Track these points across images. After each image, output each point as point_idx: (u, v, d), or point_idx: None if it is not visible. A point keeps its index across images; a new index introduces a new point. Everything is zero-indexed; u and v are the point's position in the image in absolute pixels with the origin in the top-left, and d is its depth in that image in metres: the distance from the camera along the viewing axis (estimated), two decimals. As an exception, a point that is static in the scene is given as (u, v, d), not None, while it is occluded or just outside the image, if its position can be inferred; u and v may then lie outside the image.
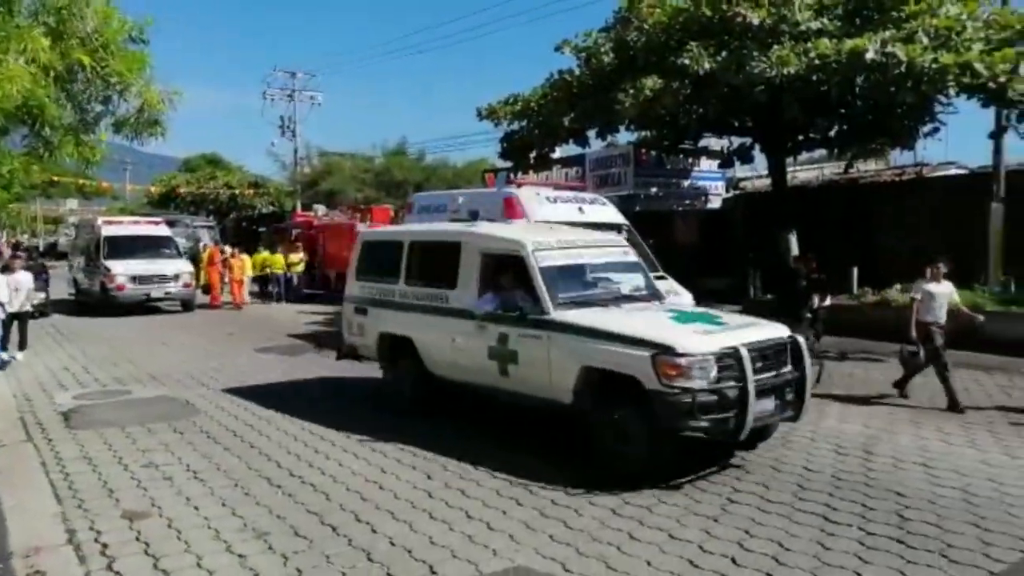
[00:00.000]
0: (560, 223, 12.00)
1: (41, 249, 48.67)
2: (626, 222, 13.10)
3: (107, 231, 21.44)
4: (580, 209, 12.57)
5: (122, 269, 20.03)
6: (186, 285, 21.03)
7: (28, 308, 13.16)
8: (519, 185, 13.79)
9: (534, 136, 17.09)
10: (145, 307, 20.44)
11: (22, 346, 13.01)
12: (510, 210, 12.30)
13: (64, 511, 5.84)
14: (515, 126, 17.33)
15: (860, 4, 12.90)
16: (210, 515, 5.72)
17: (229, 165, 51.36)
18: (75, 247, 25.53)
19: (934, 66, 11.16)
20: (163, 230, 23.42)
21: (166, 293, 20.77)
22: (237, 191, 43.44)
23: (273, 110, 40.68)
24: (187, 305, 21.29)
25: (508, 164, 20.58)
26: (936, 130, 15.38)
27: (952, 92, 12.24)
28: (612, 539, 5.25)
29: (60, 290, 22.24)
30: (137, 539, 5.30)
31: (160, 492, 6.25)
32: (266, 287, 24.41)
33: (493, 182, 23.73)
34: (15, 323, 12.76)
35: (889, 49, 11.36)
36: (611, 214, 13.11)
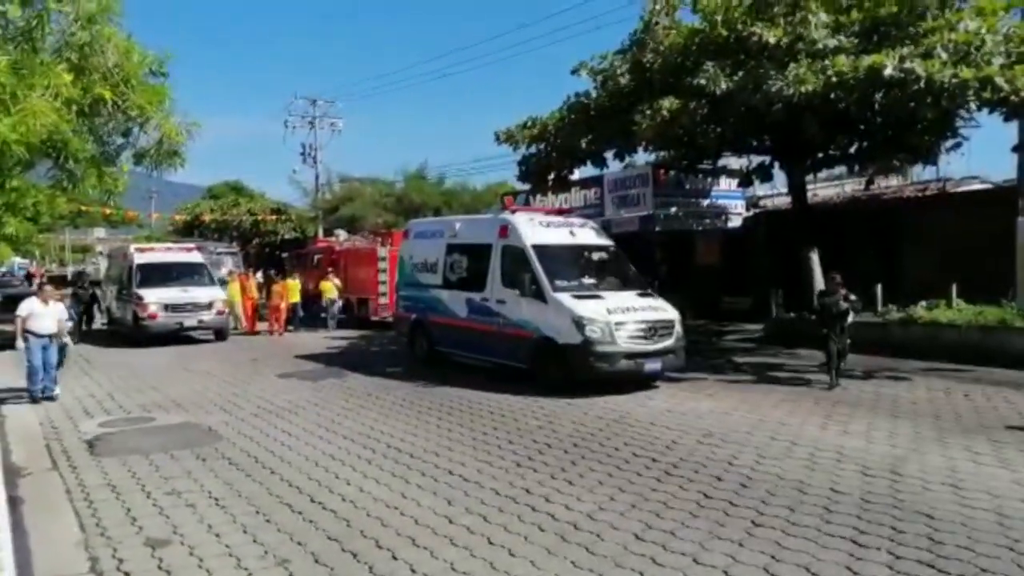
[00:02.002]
0: (553, 245, 12.86)
1: (70, 277, 49.35)
2: (612, 243, 14.12)
3: (139, 259, 20.96)
4: (571, 233, 13.58)
5: (154, 298, 19.51)
6: (220, 313, 20.41)
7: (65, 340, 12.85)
8: (514, 211, 14.52)
9: (552, 159, 17.15)
10: (178, 337, 19.93)
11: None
12: (503, 234, 13.12)
13: (87, 539, 5.86)
14: (533, 149, 17.41)
15: (877, 21, 12.82)
16: (232, 542, 5.72)
17: (252, 192, 51.99)
18: (108, 276, 25.12)
19: (954, 81, 11.07)
20: (196, 257, 22.79)
21: (199, 322, 20.13)
22: (260, 217, 43.87)
23: (294, 137, 41.30)
24: (220, 334, 20.67)
25: (527, 187, 20.66)
26: (958, 145, 15.27)
27: (973, 107, 12.15)
28: (636, 565, 5.17)
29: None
30: (159, 567, 5.30)
31: (182, 519, 6.26)
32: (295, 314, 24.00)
33: (512, 204, 23.90)
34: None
35: (908, 65, 11.29)
36: (599, 237, 14.14)
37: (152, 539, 5.83)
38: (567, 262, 13.09)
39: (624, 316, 11.69)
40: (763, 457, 7.76)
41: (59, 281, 28.14)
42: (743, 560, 5.20)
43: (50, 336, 11.93)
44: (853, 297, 12.15)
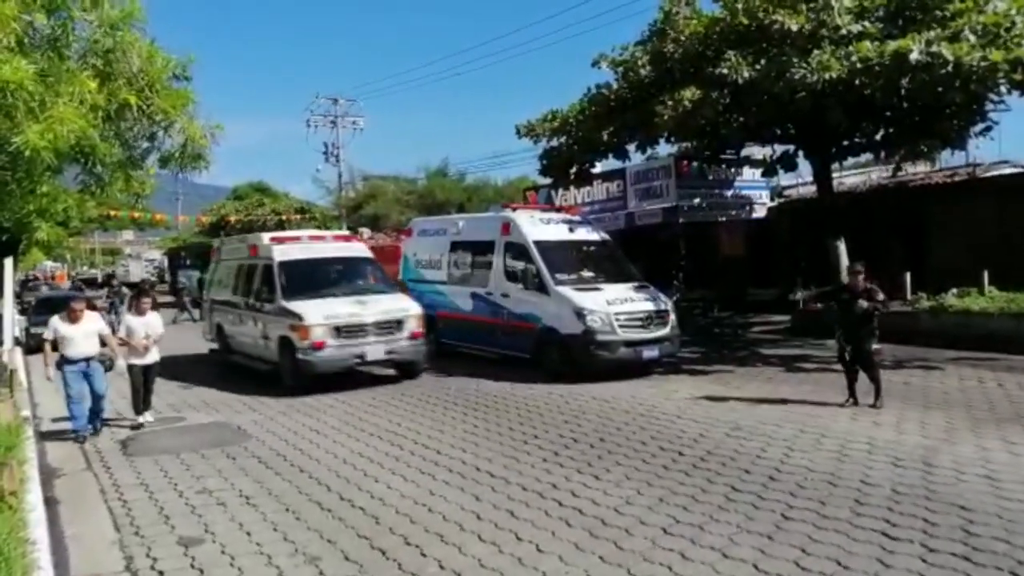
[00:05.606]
0: (553, 241, 13.70)
1: (99, 280, 49.99)
2: (608, 238, 15.10)
3: (280, 254, 13.52)
4: (570, 229, 14.41)
5: (319, 316, 12.13)
6: (414, 336, 12.91)
7: (158, 359, 10.54)
8: (514, 209, 15.36)
9: (574, 152, 17.07)
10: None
11: (147, 405, 10.51)
12: (506, 231, 13.92)
13: (122, 538, 5.97)
14: (554, 142, 17.34)
15: (902, 5, 12.60)
16: (262, 540, 5.79)
17: (276, 192, 52.44)
18: (216, 280, 16.59)
19: (983, 64, 10.85)
20: (361, 249, 15.54)
21: (388, 353, 12.59)
22: (284, 217, 44.22)
23: (317, 137, 41.41)
24: (411, 370, 13.13)
25: (548, 181, 20.58)
26: (988, 129, 14.93)
27: (1003, 90, 11.89)
28: (664, 559, 5.15)
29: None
30: (192, 566, 5.38)
31: (214, 518, 6.36)
32: None
33: (535, 200, 23.89)
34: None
35: (934, 49, 11.08)
36: (594, 233, 15.03)
37: (185, 538, 5.92)
38: (567, 257, 13.77)
39: (622, 307, 12.39)
40: (792, 450, 7.70)
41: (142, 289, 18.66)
42: (773, 554, 5.16)
43: (88, 359, 9.53)
44: (881, 296, 9.60)
